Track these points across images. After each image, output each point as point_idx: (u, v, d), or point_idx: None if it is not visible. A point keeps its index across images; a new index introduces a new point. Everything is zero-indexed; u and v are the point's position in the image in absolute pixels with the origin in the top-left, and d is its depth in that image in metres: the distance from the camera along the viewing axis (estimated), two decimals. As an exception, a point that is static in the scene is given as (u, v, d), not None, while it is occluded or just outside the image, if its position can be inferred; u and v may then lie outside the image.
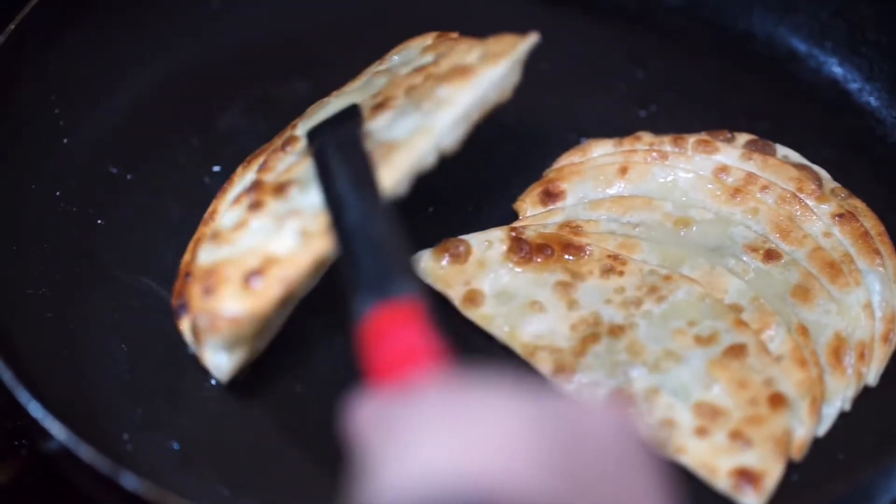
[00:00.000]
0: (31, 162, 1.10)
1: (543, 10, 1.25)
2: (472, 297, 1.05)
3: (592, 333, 1.02)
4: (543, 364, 1.01)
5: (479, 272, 1.06)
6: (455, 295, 1.05)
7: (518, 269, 1.05)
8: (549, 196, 1.10)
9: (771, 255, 1.05)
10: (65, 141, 1.12)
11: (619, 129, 1.15)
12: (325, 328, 1.03)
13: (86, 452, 0.88)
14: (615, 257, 1.05)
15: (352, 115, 1.02)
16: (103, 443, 0.91)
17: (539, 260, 1.06)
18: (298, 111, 1.10)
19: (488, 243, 1.06)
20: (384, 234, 0.87)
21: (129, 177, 1.12)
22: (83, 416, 0.95)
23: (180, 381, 1.00)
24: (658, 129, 1.15)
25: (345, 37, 1.24)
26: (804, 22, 1.22)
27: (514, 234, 1.06)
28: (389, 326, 0.78)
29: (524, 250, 1.06)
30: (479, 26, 1.22)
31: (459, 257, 1.06)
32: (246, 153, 1.09)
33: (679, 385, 0.98)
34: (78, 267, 1.06)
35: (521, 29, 1.22)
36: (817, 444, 0.96)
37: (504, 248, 1.06)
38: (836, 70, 1.21)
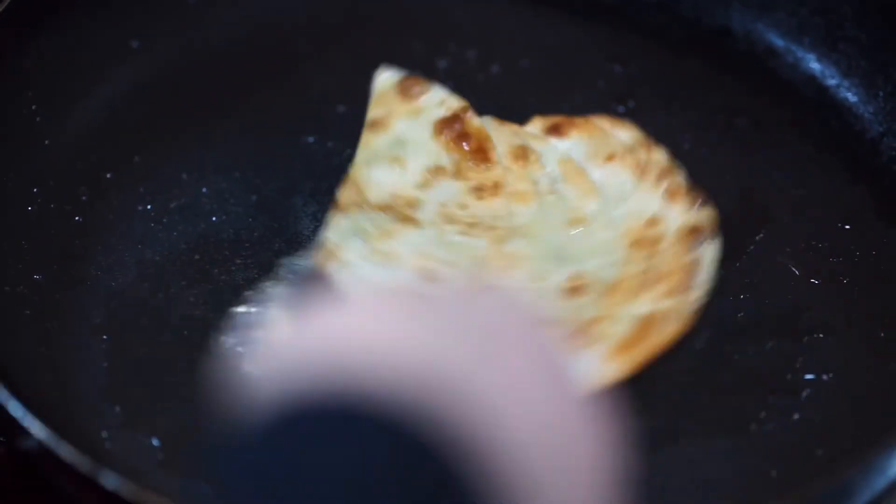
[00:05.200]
0: (9, 160, 1.09)
1: (522, 7, 1.25)
2: (380, 124, 1.10)
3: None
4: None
5: (407, 116, 1.10)
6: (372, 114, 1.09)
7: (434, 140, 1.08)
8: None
9: None
10: (42, 138, 1.12)
11: (597, 125, 1.16)
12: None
13: (65, 451, 0.88)
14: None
15: None
16: (83, 441, 0.91)
17: (457, 147, 1.09)
18: (281, 109, 1.11)
19: (440, 102, 1.10)
20: None
21: (108, 175, 1.11)
22: (62, 414, 0.95)
23: (161, 379, 1.00)
24: (636, 124, 1.16)
25: (325, 35, 1.23)
26: (783, 18, 1.22)
27: (463, 114, 1.09)
28: None
29: (457, 133, 1.06)
30: (459, 23, 1.23)
31: (409, 96, 1.10)
32: (226, 152, 1.10)
33: None
34: (56, 265, 1.05)
35: (500, 26, 1.23)
36: (796, 442, 0.97)
37: (442, 114, 1.10)
38: (814, 66, 1.21)
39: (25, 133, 1.11)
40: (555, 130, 1.11)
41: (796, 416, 0.99)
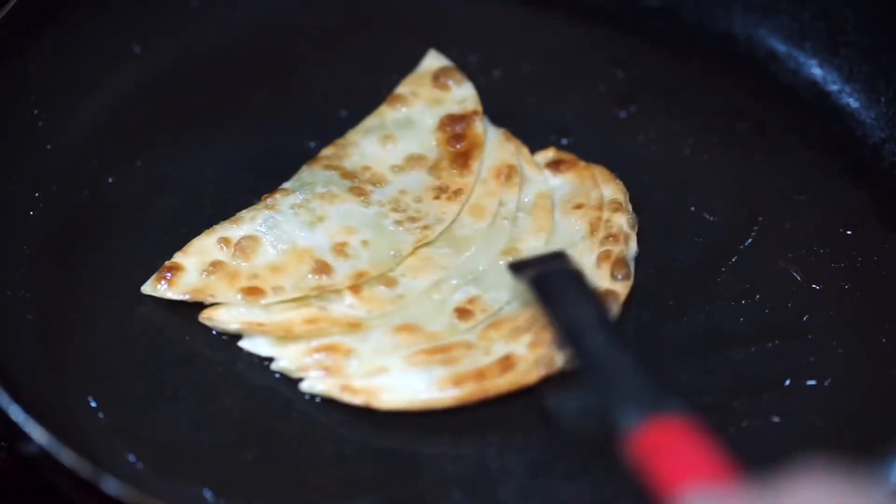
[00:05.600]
0: (10, 163, 1.09)
1: (524, 11, 1.25)
2: (400, 100, 1.15)
3: None
4: None
5: (427, 102, 1.15)
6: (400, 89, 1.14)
7: None
8: None
9: None
10: (44, 142, 1.12)
11: (599, 129, 1.16)
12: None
13: (66, 456, 0.88)
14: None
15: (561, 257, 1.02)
16: (84, 446, 0.91)
17: (448, 145, 1.13)
18: (283, 113, 1.12)
19: (460, 100, 1.15)
20: (632, 359, 0.90)
21: (109, 179, 1.11)
22: (64, 419, 0.95)
23: (161, 382, 1.00)
24: (638, 128, 1.16)
25: (326, 39, 1.23)
26: (784, 23, 1.22)
27: (472, 117, 1.13)
28: (672, 438, 0.80)
29: (455, 132, 1.13)
30: (461, 27, 1.23)
31: (440, 84, 1.15)
32: (228, 156, 1.10)
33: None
34: (59, 269, 1.05)
35: (502, 30, 1.23)
36: (797, 447, 0.96)
37: (454, 110, 1.15)
38: (816, 71, 1.21)
39: (27, 136, 1.11)
40: (555, 166, 1.11)
41: (798, 422, 0.99)
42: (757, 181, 1.14)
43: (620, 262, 1.05)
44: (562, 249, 1.03)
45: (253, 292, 1.02)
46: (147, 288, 1.04)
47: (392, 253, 1.05)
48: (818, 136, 1.17)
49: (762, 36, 1.23)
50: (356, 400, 0.98)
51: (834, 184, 1.12)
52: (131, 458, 0.95)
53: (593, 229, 1.07)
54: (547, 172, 1.11)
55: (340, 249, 1.05)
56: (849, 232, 1.10)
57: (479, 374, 0.98)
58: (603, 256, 1.05)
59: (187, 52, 1.21)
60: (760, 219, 1.11)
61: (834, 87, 1.20)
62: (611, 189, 1.09)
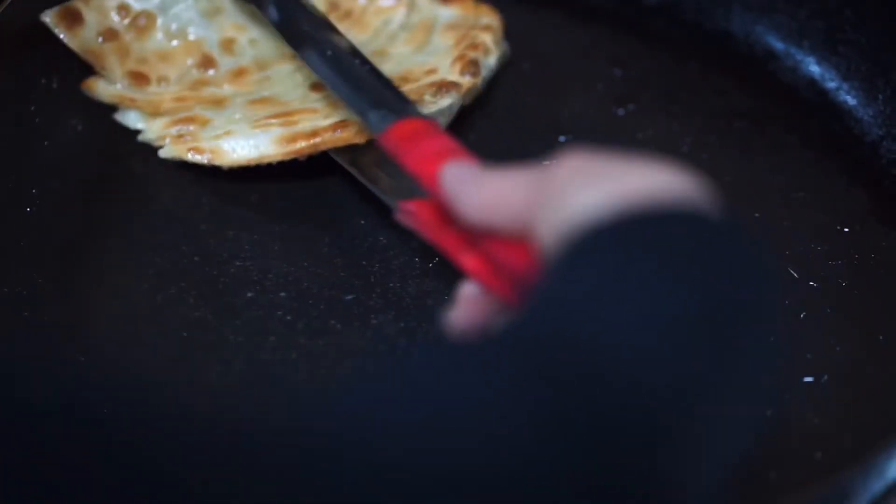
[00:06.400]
0: (8, 161, 1.10)
1: (524, 11, 1.25)
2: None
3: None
4: None
5: None
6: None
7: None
8: None
9: None
10: (42, 139, 1.12)
11: (597, 127, 1.16)
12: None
13: (64, 455, 0.88)
14: None
15: None
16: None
17: None
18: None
19: None
20: (369, 69, 1.03)
21: (107, 177, 1.11)
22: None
23: (161, 382, 1.00)
24: (637, 127, 1.16)
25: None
26: (783, 21, 1.23)
27: None
28: (422, 133, 0.90)
29: None
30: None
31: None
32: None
33: None
34: (56, 266, 1.05)
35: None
36: (795, 444, 0.97)
37: None
38: (814, 69, 1.21)
39: (25, 134, 1.11)
40: None
41: (794, 419, 0.99)
42: (755, 179, 1.14)
43: (473, 63, 1.11)
44: None
45: (139, 78, 1.10)
46: (48, 18, 1.10)
47: (275, 54, 1.12)
48: (816, 134, 1.17)
49: (760, 34, 1.23)
50: (203, 159, 1.06)
51: (832, 181, 1.12)
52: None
53: (459, 42, 1.14)
54: (437, 3, 1.18)
55: (228, 46, 1.12)
56: (846, 229, 1.10)
57: (314, 133, 1.05)
58: (459, 58, 1.11)
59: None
60: (758, 217, 1.11)
61: (832, 85, 1.20)
62: (489, 18, 1.17)
